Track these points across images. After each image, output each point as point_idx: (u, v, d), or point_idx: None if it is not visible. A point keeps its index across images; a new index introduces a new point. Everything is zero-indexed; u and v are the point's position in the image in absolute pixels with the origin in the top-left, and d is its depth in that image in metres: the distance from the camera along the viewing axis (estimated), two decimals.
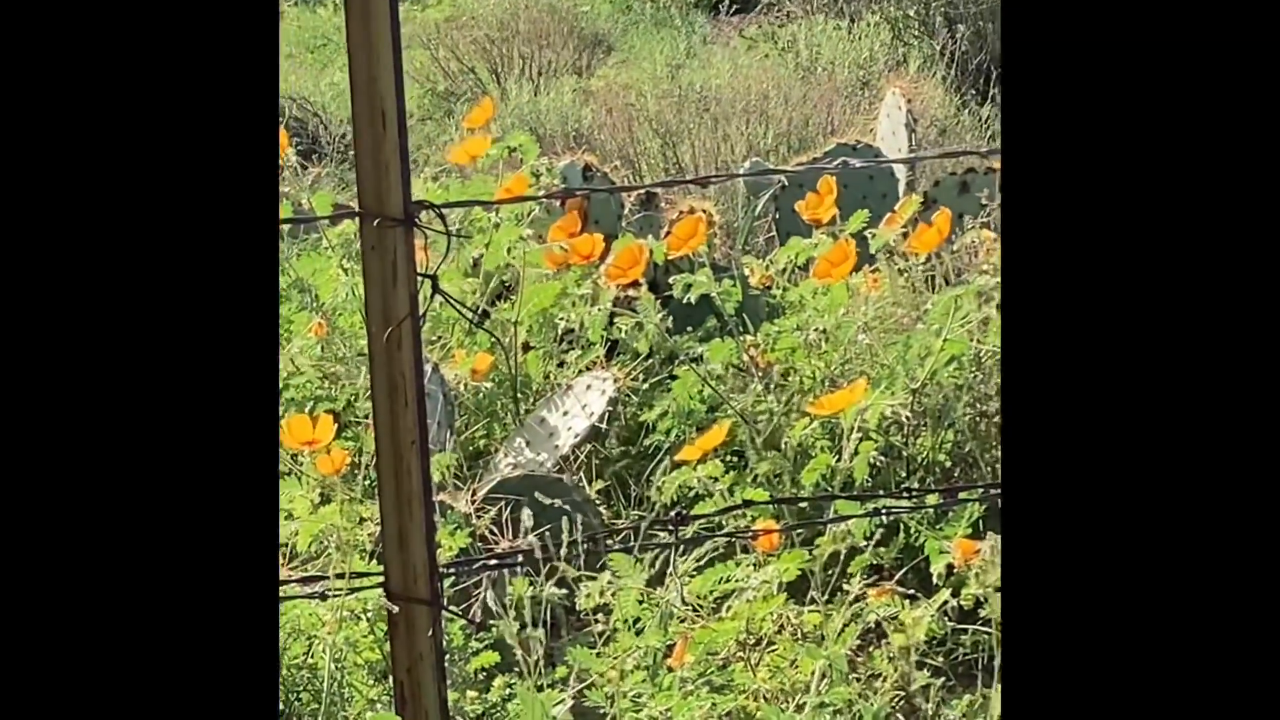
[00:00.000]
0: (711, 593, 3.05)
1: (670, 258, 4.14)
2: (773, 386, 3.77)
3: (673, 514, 2.91)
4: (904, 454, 3.59)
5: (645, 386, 4.02)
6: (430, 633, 2.39)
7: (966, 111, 7.16)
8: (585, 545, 2.82)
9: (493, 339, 4.14)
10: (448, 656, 2.98)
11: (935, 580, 2.98)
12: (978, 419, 3.60)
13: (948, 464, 3.60)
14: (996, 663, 2.91)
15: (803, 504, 3.38)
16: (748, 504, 3.15)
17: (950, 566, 2.97)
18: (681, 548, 3.04)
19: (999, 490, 2.91)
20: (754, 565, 3.04)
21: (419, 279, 2.36)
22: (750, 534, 3.11)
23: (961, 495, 3.25)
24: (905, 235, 3.93)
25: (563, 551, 2.80)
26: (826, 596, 3.02)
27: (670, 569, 2.96)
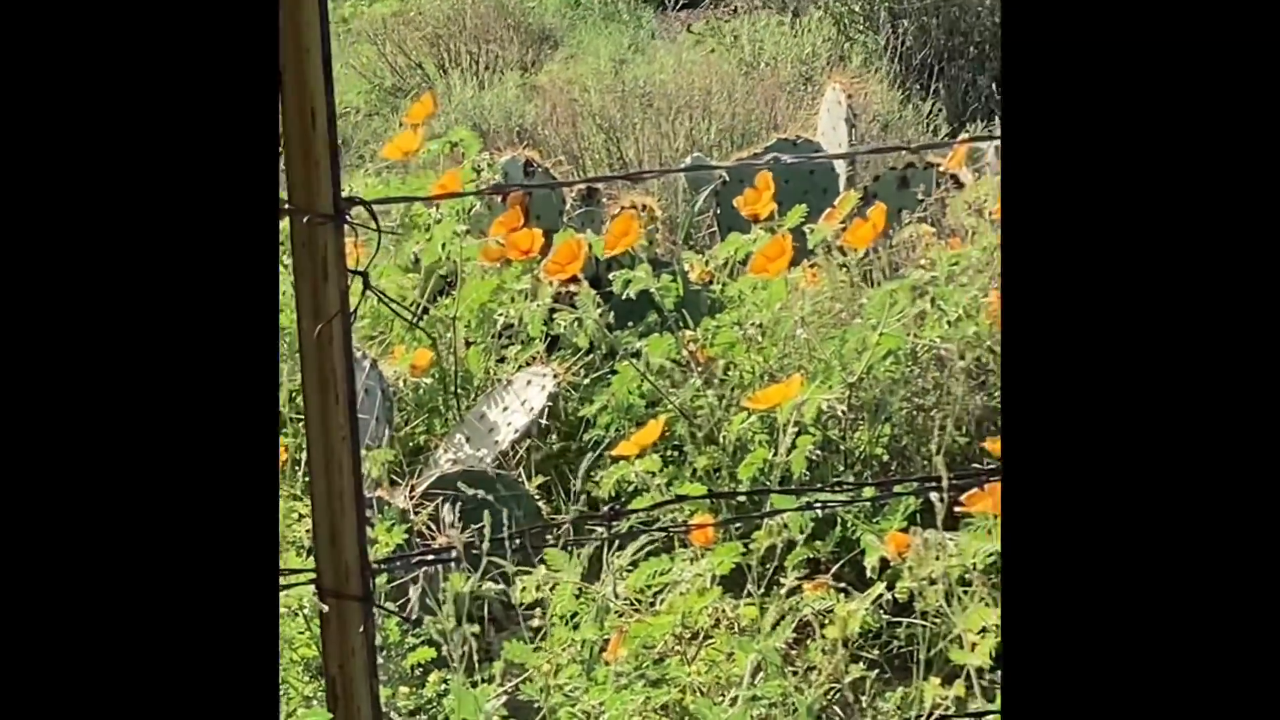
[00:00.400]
0: (649, 587, 3.06)
1: (611, 253, 4.15)
2: (712, 381, 3.79)
3: (606, 509, 2.91)
4: (841, 448, 3.60)
5: (586, 382, 4.03)
6: (362, 629, 2.39)
7: (909, 107, 7.18)
8: (520, 541, 2.83)
9: (431, 335, 4.14)
10: (385, 653, 2.99)
11: (869, 573, 2.99)
12: (914, 413, 3.61)
13: (885, 458, 3.62)
14: (928, 655, 2.93)
15: (739, 498, 3.39)
16: (681, 499, 3.16)
17: (885, 560, 2.98)
18: (618, 542, 3.05)
19: (934, 484, 2.93)
20: (690, 560, 3.05)
21: (350, 275, 2.36)
22: (684, 528, 3.12)
23: (897, 489, 3.27)
24: (844, 230, 3.94)
25: (496, 545, 2.81)
26: (763, 590, 3.04)
27: (605, 563, 2.97)
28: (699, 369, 3.81)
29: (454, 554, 2.90)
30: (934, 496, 2.75)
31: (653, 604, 3.05)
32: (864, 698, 2.91)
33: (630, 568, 3.04)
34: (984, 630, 2.86)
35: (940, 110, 7.70)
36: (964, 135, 6.52)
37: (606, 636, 2.92)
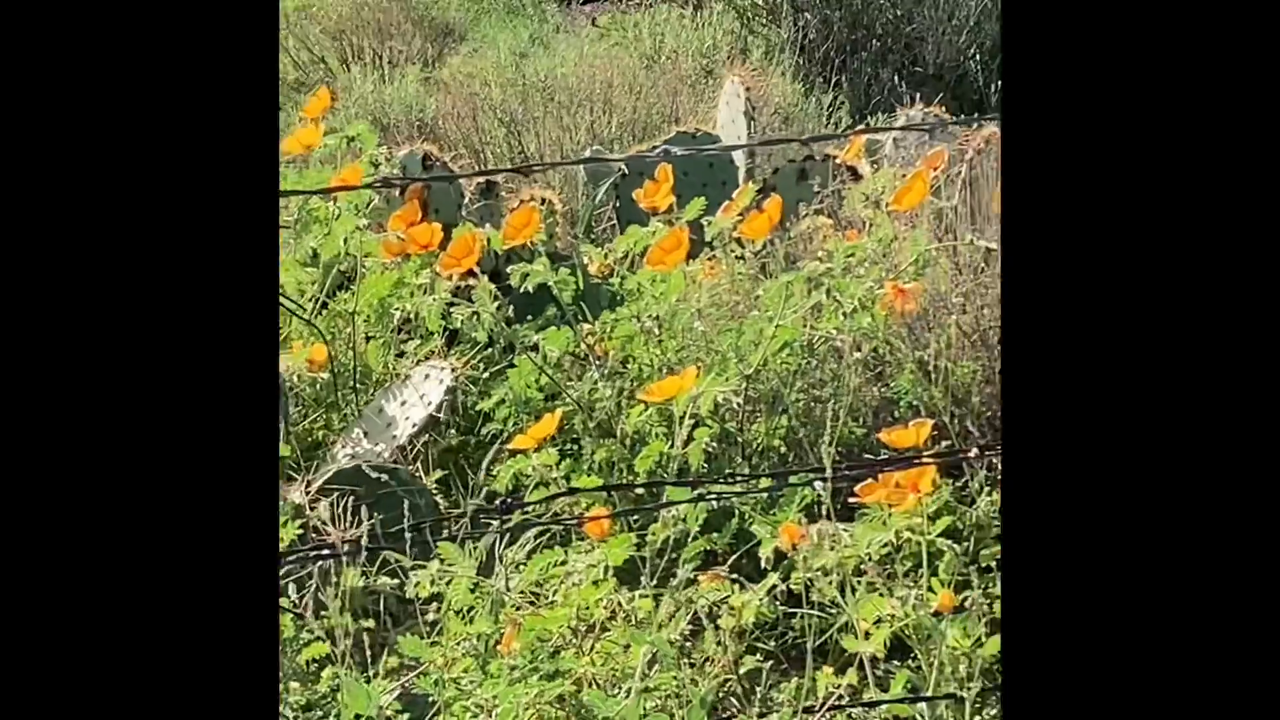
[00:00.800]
0: (546, 580, 3.05)
1: (510, 247, 4.14)
2: (610, 374, 3.79)
3: (497, 502, 2.91)
4: (739, 440, 3.61)
5: (486, 376, 4.02)
6: None
7: (811, 100, 7.20)
8: (414, 534, 2.82)
9: (325, 331, 4.13)
10: (279, 649, 2.97)
11: (764, 565, 3.00)
12: (811, 404, 3.62)
13: (782, 449, 3.63)
14: (823, 646, 2.94)
15: (637, 490, 3.39)
16: (572, 491, 3.17)
17: (779, 551, 2.99)
18: (514, 536, 3.05)
19: (827, 475, 2.94)
20: (586, 553, 3.05)
21: None
22: (576, 520, 3.12)
23: (793, 480, 3.27)
24: (741, 223, 3.95)
25: (392, 539, 2.80)
26: (659, 583, 3.04)
27: (498, 557, 2.96)
28: (597, 362, 3.81)
29: (348, 549, 2.90)
30: (818, 486, 2.76)
31: (550, 597, 3.05)
32: (759, 688, 2.91)
33: (527, 561, 3.04)
34: (879, 621, 2.88)
35: (843, 103, 7.73)
36: (862, 128, 6.55)
37: (502, 630, 2.92)
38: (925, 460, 2.87)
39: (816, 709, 2.76)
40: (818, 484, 2.75)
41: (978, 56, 8.19)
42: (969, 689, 2.74)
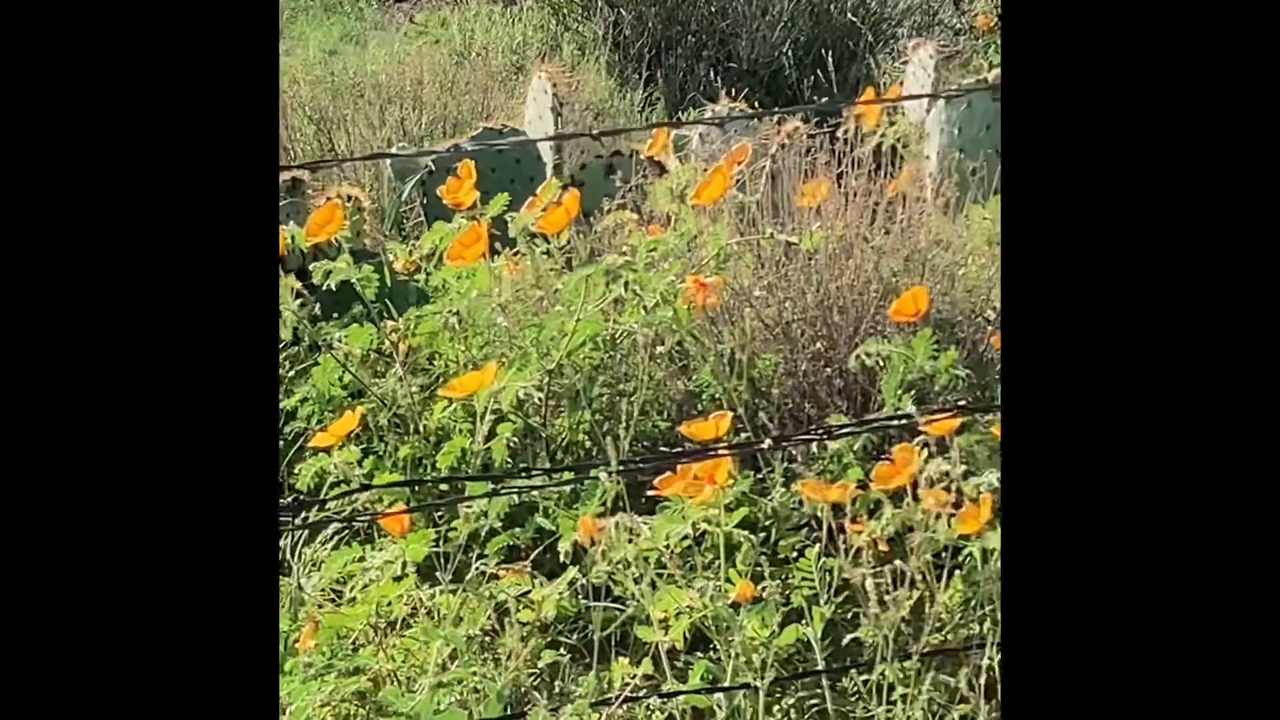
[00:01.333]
0: (350, 577, 3.05)
1: (315, 244, 4.12)
2: (414, 371, 3.78)
3: (290, 500, 2.90)
4: (543, 435, 3.61)
5: (291, 374, 4.00)
6: None
7: (625, 95, 7.22)
8: None
9: None
10: None
11: (563, 558, 3.01)
12: (614, 398, 3.64)
13: (586, 443, 3.64)
14: (621, 638, 2.96)
15: (441, 485, 3.39)
16: (366, 487, 3.16)
17: (578, 544, 2.99)
18: (314, 534, 3.04)
19: (627, 468, 2.95)
20: (385, 549, 3.05)
21: None
22: (372, 516, 3.11)
23: (583, 474, 3.28)
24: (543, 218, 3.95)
25: None
26: (460, 578, 3.04)
27: (296, 555, 2.95)
28: (401, 359, 3.80)
29: None
30: (603, 478, 2.77)
31: (350, 595, 3.05)
32: (558, 681, 2.92)
33: (324, 559, 3.03)
34: (679, 612, 2.90)
35: (659, 99, 7.76)
36: (661, 121, 6.58)
37: (301, 628, 2.91)
38: (721, 452, 2.89)
39: (613, 700, 2.78)
40: (603, 475, 2.76)
41: (791, 51, 8.25)
42: (763, 679, 2.76)
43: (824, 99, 7.77)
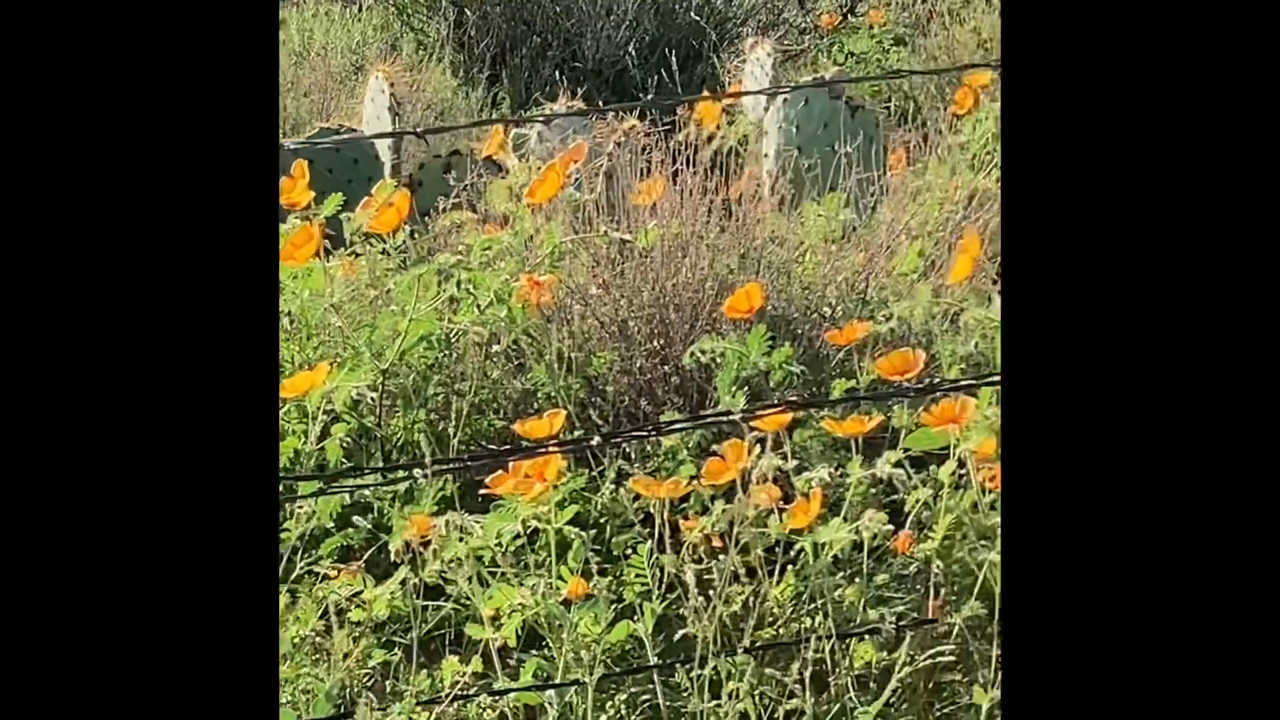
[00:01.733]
0: None
1: None
2: None
3: None
4: (377, 435, 3.60)
5: None
6: None
7: (468, 95, 7.21)
8: None
9: None
10: None
11: (394, 558, 3.00)
12: (450, 397, 3.63)
13: (422, 443, 3.62)
14: (454, 636, 2.96)
15: None
16: None
17: (409, 544, 2.99)
18: None
19: (457, 467, 2.95)
20: None
21: None
22: None
23: (431, 470, 3.27)
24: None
25: None
26: (294, 579, 3.03)
27: None
28: None
29: None
30: (417, 473, 2.77)
31: None
32: (389, 681, 2.91)
33: None
34: (512, 611, 2.90)
35: (504, 99, 7.76)
36: (496, 118, 6.58)
37: None
38: (552, 449, 2.89)
39: (443, 699, 2.77)
40: (418, 474, 2.76)
41: (635, 51, 8.27)
42: (593, 675, 2.77)
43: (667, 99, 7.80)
